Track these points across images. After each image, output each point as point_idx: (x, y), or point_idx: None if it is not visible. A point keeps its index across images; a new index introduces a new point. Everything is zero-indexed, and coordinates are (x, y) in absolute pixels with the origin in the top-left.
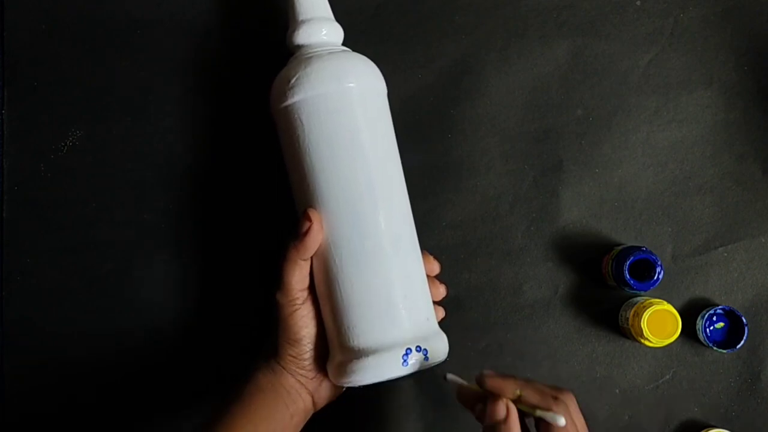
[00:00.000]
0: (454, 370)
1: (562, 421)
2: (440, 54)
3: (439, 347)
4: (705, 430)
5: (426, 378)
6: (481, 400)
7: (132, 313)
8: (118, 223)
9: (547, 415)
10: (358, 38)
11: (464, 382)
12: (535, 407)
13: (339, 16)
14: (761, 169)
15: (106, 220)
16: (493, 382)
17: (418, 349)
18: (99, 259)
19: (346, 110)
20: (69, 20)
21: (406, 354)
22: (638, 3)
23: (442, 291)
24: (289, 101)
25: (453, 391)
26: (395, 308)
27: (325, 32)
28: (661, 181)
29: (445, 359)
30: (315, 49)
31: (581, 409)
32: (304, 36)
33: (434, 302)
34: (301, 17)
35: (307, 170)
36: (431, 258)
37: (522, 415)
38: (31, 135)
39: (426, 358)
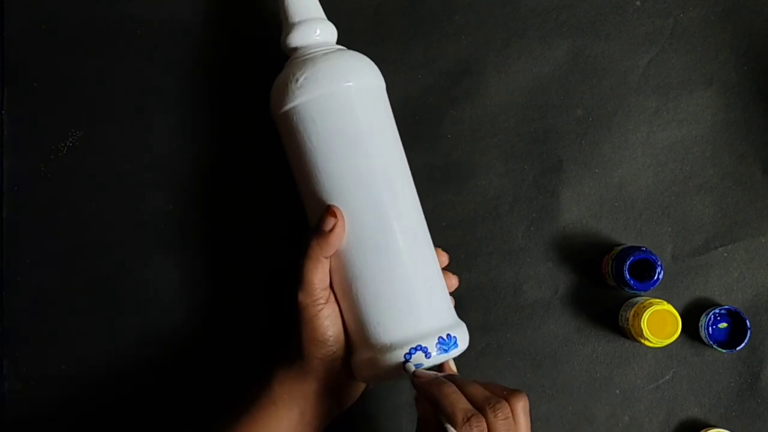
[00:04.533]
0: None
1: None
2: (440, 54)
3: (465, 334)
4: (705, 430)
5: None
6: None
7: (132, 313)
8: (118, 223)
9: (449, 429)
10: (358, 38)
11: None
12: (442, 414)
13: (339, 16)
14: (761, 169)
15: (106, 220)
16: (418, 380)
17: (449, 337)
18: (99, 260)
19: (353, 107)
20: (69, 20)
21: (439, 343)
22: (638, 3)
23: (454, 282)
24: (293, 103)
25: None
26: (422, 300)
27: (318, 33)
28: (661, 181)
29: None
30: (311, 51)
31: (581, 410)
32: (298, 38)
33: None
34: (293, 20)
35: (321, 170)
36: (439, 250)
37: None
38: (31, 135)
39: (456, 345)
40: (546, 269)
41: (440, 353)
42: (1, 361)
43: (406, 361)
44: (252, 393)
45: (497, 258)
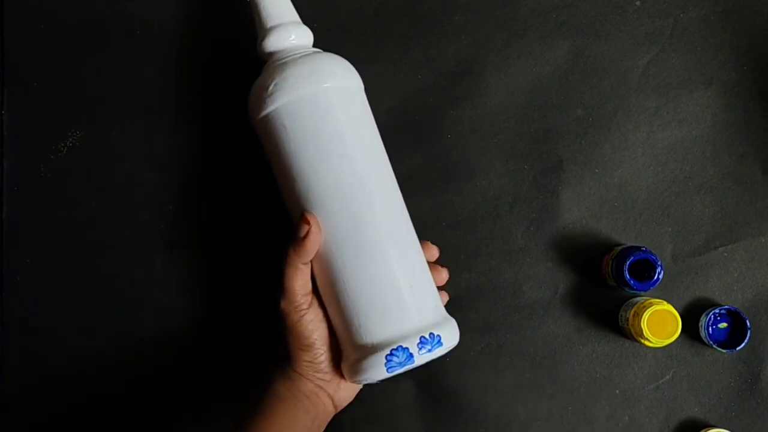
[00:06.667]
0: (453, 369)
1: None
2: (440, 54)
3: (451, 332)
4: (705, 430)
5: (426, 378)
6: None
7: (131, 313)
8: (118, 223)
9: None
10: (358, 38)
11: None
12: None
13: (339, 16)
14: (761, 169)
15: (106, 220)
16: None
17: (431, 336)
18: (99, 260)
19: (328, 109)
20: (69, 20)
21: (421, 343)
22: (638, 3)
23: (444, 276)
24: (269, 109)
25: None
26: (403, 299)
27: (293, 37)
28: (661, 181)
29: (458, 343)
30: (287, 55)
31: (581, 410)
32: (273, 43)
33: (438, 287)
34: (268, 24)
35: (296, 175)
36: (429, 244)
37: None
38: (31, 135)
39: (440, 344)
40: (546, 269)
41: (423, 353)
42: (1, 361)
43: (388, 362)
44: (260, 391)
45: (497, 258)
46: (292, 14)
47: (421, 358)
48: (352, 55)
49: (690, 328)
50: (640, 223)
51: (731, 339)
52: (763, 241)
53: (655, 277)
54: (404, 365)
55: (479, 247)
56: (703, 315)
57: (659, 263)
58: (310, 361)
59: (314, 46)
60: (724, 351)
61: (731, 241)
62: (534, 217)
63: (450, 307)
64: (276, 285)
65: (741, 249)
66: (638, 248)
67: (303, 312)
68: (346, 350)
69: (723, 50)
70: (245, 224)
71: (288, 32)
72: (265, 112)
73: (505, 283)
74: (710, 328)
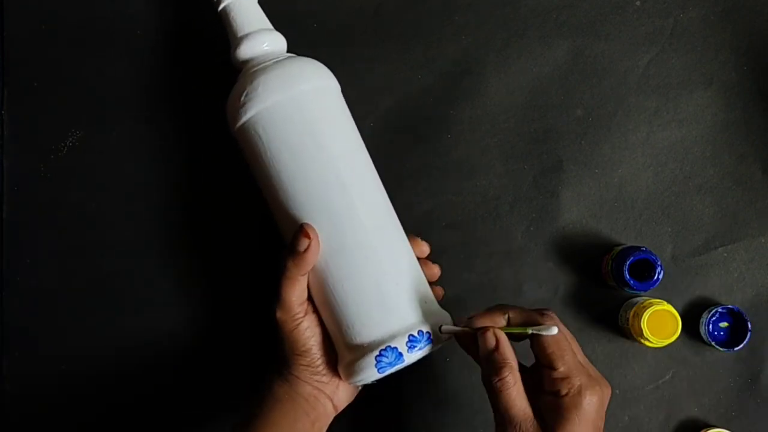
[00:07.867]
0: (454, 369)
1: (554, 330)
2: (440, 54)
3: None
4: (705, 430)
5: (426, 378)
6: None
7: (131, 313)
8: (118, 224)
9: (540, 329)
10: (358, 38)
11: (458, 329)
12: (525, 326)
13: (339, 16)
14: (761, 169)
15: (106, 220)
16: (480, 319)
17: (420, 333)
18: (99, 260)
19: (301, 114)
20: (69, 20)
21: (410, 341)
22: (638, 3)
23: (436, 271)
24: (245, 118)
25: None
26: (390, 298)
27: (266, 44)
28: (661, 181)
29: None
30: (259, 62)
31: None
32: (246, 51)
33: (431, 283)
34: (240, 33)
35: (276, 182)
36: (419, 240)
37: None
38: (31, 135)
39: (430, 341)
40: (546, 269)
41: (412, 351)
42: (1, 361)
43: (378, 362)
44: (260, 394)
45: (497, 258)
46: (264, 21)
47: (411, 356)
48: (352, 55)
49: (690, 328)
50: (640, 223)
51: (731, 338)
52: (763, 241)
53: (655, 277)
54: (395, 365)
55: (479, 247)
56: (705, 313)
57: (659, 263)
58: (307, 365)
59: (313, 47)
60: (724, 350)
61: (731, 241)
62: (534, 217)
63: (450, 308)
64: (273, 294)
65: (741, 249)
66: (638, 248)
67: (299, 320)
68: (341, 352)
69: (723, 50)
70: (246, 225)
71: (260, 40)
72: (240, 122)
73: (505, 283)
74: (710, 326)
